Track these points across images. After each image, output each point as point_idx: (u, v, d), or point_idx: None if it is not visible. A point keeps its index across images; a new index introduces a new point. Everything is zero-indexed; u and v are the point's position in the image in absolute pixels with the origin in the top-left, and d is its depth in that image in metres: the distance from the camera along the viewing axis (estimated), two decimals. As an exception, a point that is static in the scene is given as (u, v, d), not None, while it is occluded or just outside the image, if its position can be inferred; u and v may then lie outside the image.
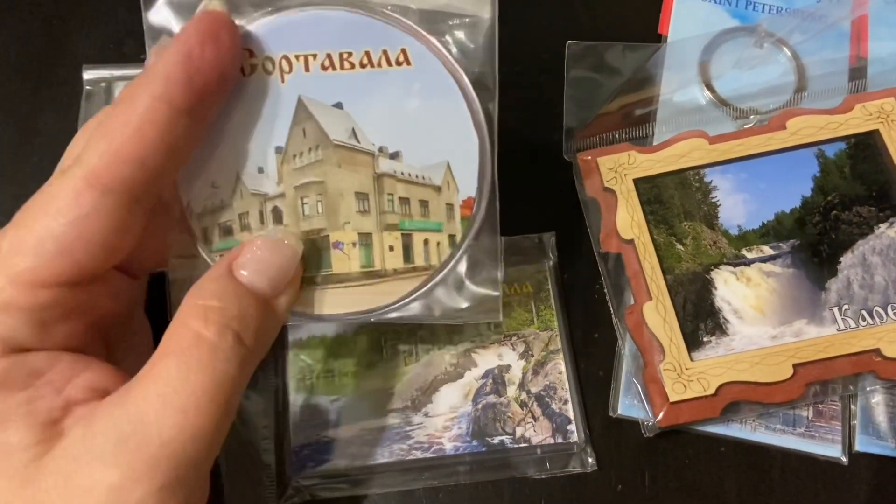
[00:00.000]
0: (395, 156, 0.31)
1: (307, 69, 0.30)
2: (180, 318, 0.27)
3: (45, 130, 0.43)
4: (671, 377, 0.37)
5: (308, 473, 0.37)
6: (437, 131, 0.31)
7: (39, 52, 0.45)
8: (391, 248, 0.32)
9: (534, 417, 0.38)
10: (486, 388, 0.38)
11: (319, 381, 0.38)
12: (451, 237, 0.32)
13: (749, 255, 0.39)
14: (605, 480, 0.37)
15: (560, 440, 0.37)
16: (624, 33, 0.45)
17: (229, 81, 0.29)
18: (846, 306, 0.38)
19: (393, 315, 0.32)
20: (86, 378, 0.27)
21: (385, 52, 0.31)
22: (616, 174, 0.41)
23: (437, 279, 0.32)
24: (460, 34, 0.32)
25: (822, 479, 0.37)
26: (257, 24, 0.30)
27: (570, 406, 0.38)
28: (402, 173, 0.31)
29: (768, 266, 0.39)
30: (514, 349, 0.39)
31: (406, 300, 0.32)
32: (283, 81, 0.30)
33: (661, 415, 0.36)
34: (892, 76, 0.43)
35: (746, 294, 0.38)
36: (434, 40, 0.31)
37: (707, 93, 0.43)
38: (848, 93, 0.43)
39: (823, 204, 0.40)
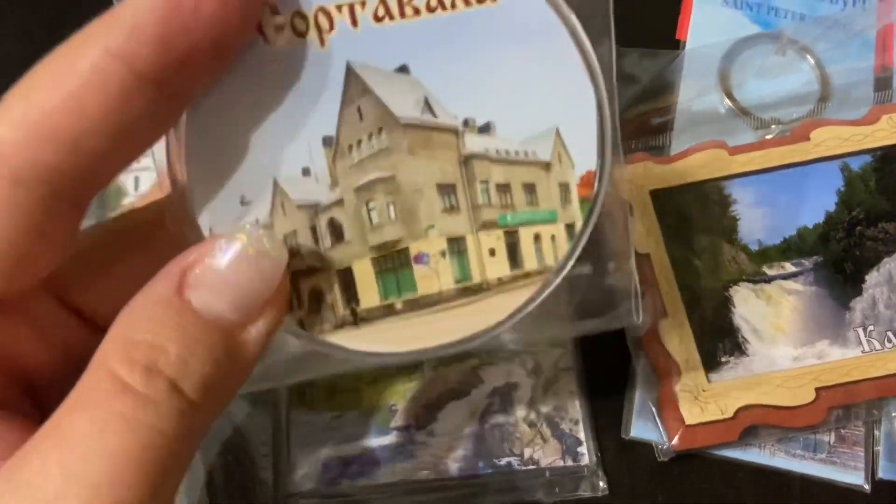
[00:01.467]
0: (485, 129, 0.24)
1: (354, 23, 0.22)
2: (99, 357, 0.19)
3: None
4: (688, 399, 0.35)
5: (308, 492, 0.35)
6: (538, 87, 0.24)
7: (42, 49, 0.44)
8: (492, 253, 0.25)
9: (543, 438, 0.36)
10: (494, 407, 0.37)
11: (320, 397, 0.37)
12: (569, 227, 0.25)
13: (770, 272, 0.38)
14: (616, 505, 0.36)
15: (570, 462, 0.36)
16: (640, 39, 0.43)
17: (229, 50, 0.20)
18: (871, 327, 0.36)
19: (504, 339, 0.26)
20: None
21: None
22: (632, 185, 0.39)
23: (555, 284, 0.25)
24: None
25: (844, 508, 0.35)
26: None
27: (580, 427, 0.36)
28: (498, 151, 0.24)
29: (790, 283, 0.37)
30: (523, 367, 0.37)
31: (517, 316, 0.25)
32: (322, 45, 0.22)
33: (676, 438, 0.35)
34: (920, 87, 0.41)
35: (767, 313, 0.37)
36: None
37: (727, 101, 0.41)
38: (874, 103, 0.41)
39: (848, 219, 0.38)
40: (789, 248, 0.38)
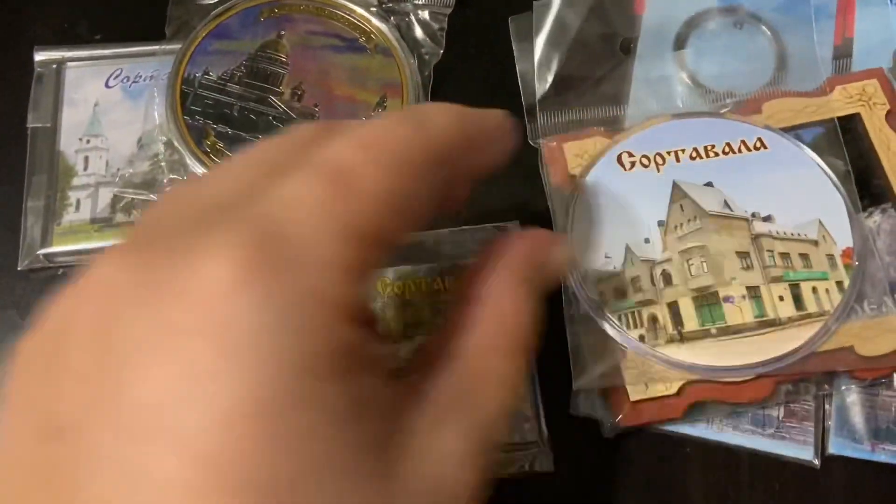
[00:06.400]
0: (767, 219, 0.35)
1: (678, 161, 0.37)
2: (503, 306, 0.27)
3: (-7, 113, 0.42)
4: (632, 375, 0.35)
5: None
6: (802, 195, 0.36)
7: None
8: (781, 298, 0.34)
9: (490, 415, 0.36)
10: (441, 384, 0.36)
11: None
12: (839, 283, 0.34)
13: (720, 246, 0.38)
14: (562, 482, 0.35)
15: (516, 439, 0.35)
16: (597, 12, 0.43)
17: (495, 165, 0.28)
18: (821, 301, 0.36)
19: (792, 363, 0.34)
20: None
21: (743, 142, 0.37)
22: (582, 159, 0.39)
23: (835, 324, 0.34)
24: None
25: (793, 483, 0.35)
26: (633, 134, 0.38)
27: (526, 403, 0.36)
28: (778, 232, 0.35)
29: (740, 258, 0.38)
30: (471, 343, 0.37)
31: (809, 347, 0.34)
32: (659, 171, 0.37)
33: (621, 415, 0.35)
34: (877, 58, 0.40)
35: (715, 287, 0.37)
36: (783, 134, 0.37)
37: (683, 74, 0.41)
38: (832, 73, 0.40)
39: (800, 192, 0.38)
40: (741, 222, 0.38)
